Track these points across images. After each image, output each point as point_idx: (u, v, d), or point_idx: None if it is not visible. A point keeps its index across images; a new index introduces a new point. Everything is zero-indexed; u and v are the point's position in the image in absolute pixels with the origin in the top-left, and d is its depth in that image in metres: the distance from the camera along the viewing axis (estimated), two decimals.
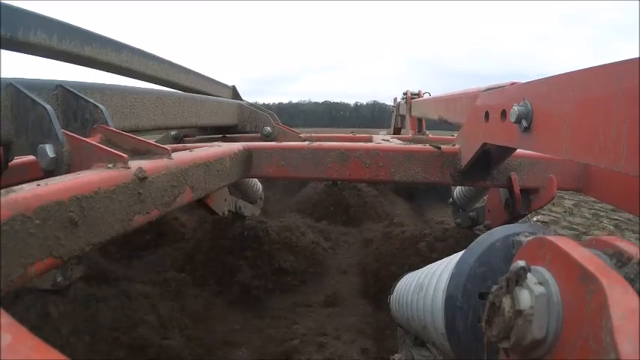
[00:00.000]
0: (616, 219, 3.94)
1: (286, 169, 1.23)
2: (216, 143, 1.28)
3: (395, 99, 4.57)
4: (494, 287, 0.40)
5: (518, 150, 1.06)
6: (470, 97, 1.43)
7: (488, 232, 0.59)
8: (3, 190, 0.47)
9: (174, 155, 0.82)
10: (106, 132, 0.85)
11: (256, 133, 2.19)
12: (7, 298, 0.43)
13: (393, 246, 1.87)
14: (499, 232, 0.57)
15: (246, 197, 2.02)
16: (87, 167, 0.69)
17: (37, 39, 1.06)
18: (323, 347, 1.38)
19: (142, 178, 0.68)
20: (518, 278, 0.38)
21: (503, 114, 0.83)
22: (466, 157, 1.11)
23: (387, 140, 1.91)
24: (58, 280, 1.57)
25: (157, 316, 1.36)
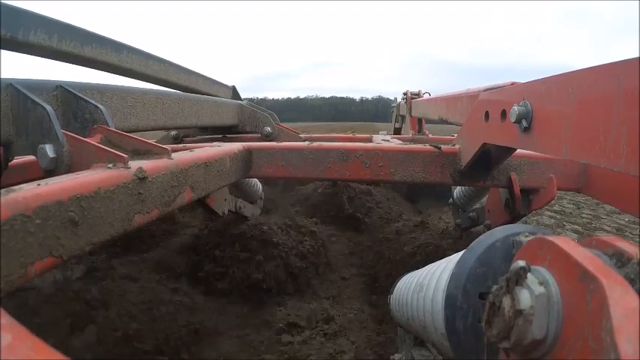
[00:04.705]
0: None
1: (286, 169, 1.23)
2: (216, 143, 1.28)
3: (395, 99, 4.58)
4: (495, 287, 0.40)
5: (518, 150, 1.06)
6: (470, 97, 1.43)
7: (489, 232, 0.59)
8: (3, 190, 0.47)
9: (174, 155, 0.83)
10: (106, 132, 0.85)
11: (256, 133, 2.19)
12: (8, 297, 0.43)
13: None
14: (499, 232, 0.57)
15: (246, 197, 2.02)
16: (87, 167, 0.69)
17: (37, 39, 1.06)
18: None
19: (142, 178, 0.68)
20: (518, 278, 0.38)
21: (503, 114, 0.83)
22: (466, 157, 1.11)
23: (387, 140, 1.91)
24: (59, 280, 1.58)
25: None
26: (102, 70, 1.44)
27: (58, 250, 0.51)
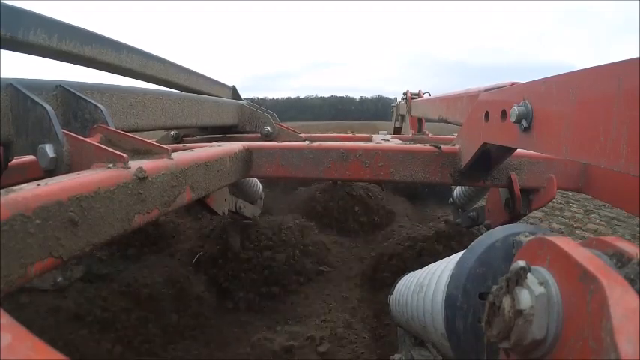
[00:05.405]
0: None
1: (286, 169, 1.23)
2: (216, 143, 1.28)
3: (395, 99, 4.59)
4: (495, 287, 0.40)
5: (518, 150, 1.06)
6: (470, 97, 1.43)
7: (489, 232, 0.59)
8: (3, 190, 0.47)
9: (174, 155, 0.82)
10: (106, 132, 0.85)
11: (256, 133, 2.18)
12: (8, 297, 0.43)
13: None
14: (499, 232, 0.57)
15: (246, 197, 2.02)
16: (87, 167, 0.69)
17: (37, 39, 1.06)
18: None
19: (142, 178, 0.68)
20: (518, 278, 0.38)
21: (503, 114, 0.83)
22: (466, 157, 1.11)
23: (387, 140, 1.91)
24: (58, 280, 1.58)
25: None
26: (102, 70, 1.43)
27: (58, 251, 0.51)
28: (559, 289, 0.36)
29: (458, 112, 1.62)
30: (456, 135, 1.37)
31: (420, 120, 3.52)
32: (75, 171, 0.67)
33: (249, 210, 2.00)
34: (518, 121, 0.73)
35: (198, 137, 2.35)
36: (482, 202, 1.89)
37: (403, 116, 4.02)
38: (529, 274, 0.38)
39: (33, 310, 1.31)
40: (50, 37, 1.10)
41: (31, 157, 1.01)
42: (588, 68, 0.55)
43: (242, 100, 2.56)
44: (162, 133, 2.35)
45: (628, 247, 0.36)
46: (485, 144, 0.99)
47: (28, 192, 0.48)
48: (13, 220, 0.44)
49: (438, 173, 1.18)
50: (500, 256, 0.55)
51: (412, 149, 1.20)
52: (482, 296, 0.55)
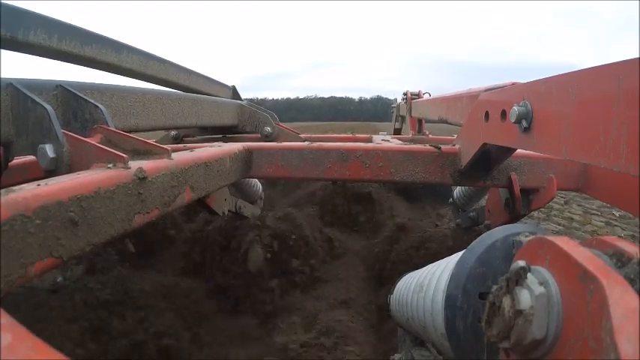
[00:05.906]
0: None
1: (286, 169, 1.23)
2: (216, 143, 1.28)
3: (395, 99, 4.59)
4: (495, 287, 0.40)
5: (518, 150, 1.06)
6: (470, 98, 1.43)
7: (489, 232, 0.59)
8: (3, 190, 0.47)
9: (174, 155, 0.82)
10: (106, 132, 0.85)
11: (256, 133, 2.18)
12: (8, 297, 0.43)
13: None
14: (499, 232, 0.57)
15: (246, 197, 2.02)
16: (87, 167, 0.69)
17: (37, 39, 1.06)
18: None
19: (141, 178, 0.68)
20: (518, 278, 0.38)
21: (503, 114, 0.83)
22: (466, 157, 1.11)
23: (387, 140, 1.91)
24: (58, 280, 1.58)
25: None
26: (102, 70, 1.43)
27: (58, 251, 0.51)
28: (559, 289, 0.36)
29: (458, 112, 1.62)
30: (456, 135, 1.37)
31: (419, 120, 3.52)
32: (75, 171, 0.67)
33: (249, 210, 2.00)
34: (518, 121, 0.73)
35: (198, 137, 2.35)
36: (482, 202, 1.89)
37: (403, 117, 4.02)
38: (529, 274, 0.38)
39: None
40: (50, 37, 1.10)
41: (31, 157, 1.01)
42: (588, 68, 0.55)
43: (242, 100, 2.56)
44: (163, 133, 2.35)
45: (628, 247, 0.36)
46: (485, 144, 0.99)
47: (28, 192, 0.48)
48: (13, 220, 0.44)
49: (438, 173, 1.18)
50: (500, 256, 0.55)
51: (412, 149, 1.20)
52: (482, 296, 0.55)
